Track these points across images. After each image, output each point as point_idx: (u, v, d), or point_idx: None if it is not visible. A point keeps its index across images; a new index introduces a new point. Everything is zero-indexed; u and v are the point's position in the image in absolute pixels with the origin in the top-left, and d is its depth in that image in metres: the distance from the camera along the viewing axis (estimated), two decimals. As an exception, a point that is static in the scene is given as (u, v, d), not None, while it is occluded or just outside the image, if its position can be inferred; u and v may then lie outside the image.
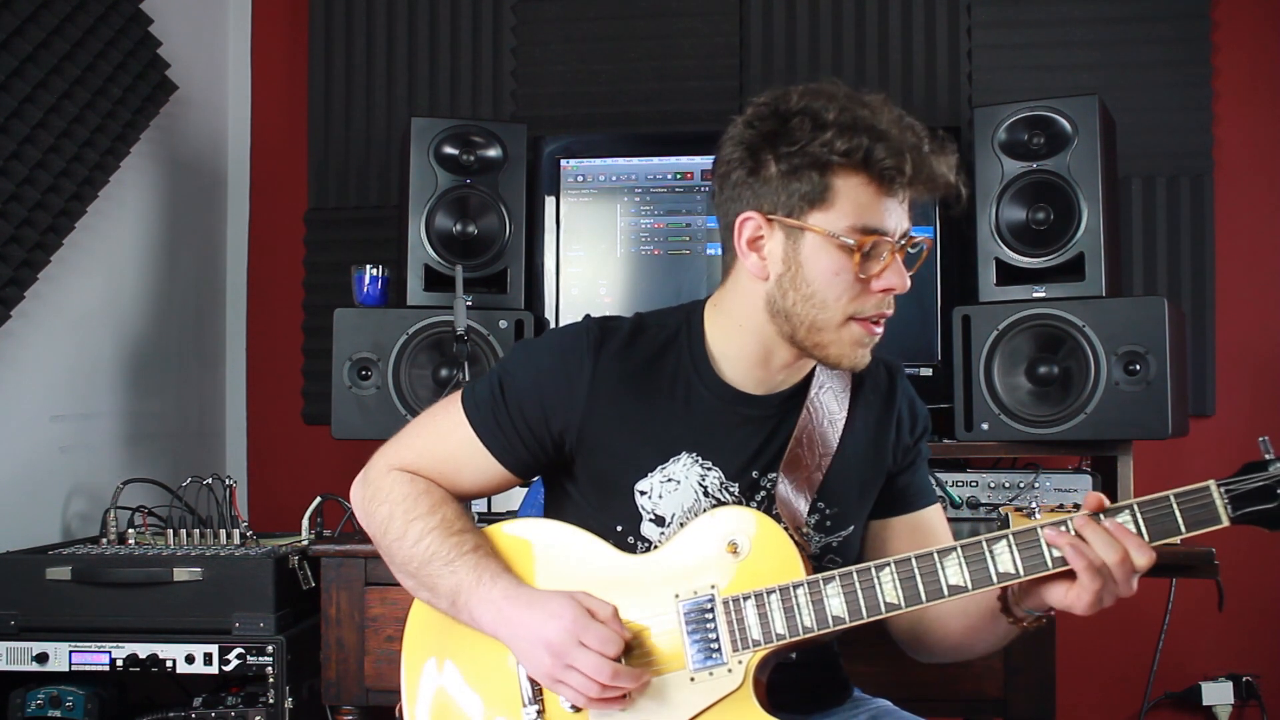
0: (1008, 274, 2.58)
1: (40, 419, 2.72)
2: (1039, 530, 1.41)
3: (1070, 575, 1.40)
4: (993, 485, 2.59)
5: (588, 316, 1.65)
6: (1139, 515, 1.38)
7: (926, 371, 2.73)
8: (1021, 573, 1.41)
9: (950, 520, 2.52)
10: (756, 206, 1.51)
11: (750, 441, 1.60)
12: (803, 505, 1.59)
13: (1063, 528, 1.40)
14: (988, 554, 1.42)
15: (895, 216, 1.48)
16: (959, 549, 1.43)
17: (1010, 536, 1.42)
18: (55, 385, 2.77)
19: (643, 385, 1.59)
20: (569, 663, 1.45)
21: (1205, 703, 2.98)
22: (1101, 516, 1.39)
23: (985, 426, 2.52)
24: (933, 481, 1.79)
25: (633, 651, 1.50)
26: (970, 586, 1.42)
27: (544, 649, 1.46)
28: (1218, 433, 2.99)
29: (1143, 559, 1.37)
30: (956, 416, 2.56)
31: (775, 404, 1.62)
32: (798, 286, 1.50)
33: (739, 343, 1.59)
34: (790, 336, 1.54)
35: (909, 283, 1.50)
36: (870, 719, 1.68)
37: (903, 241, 1.50)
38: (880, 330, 1.53)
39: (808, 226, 1.47)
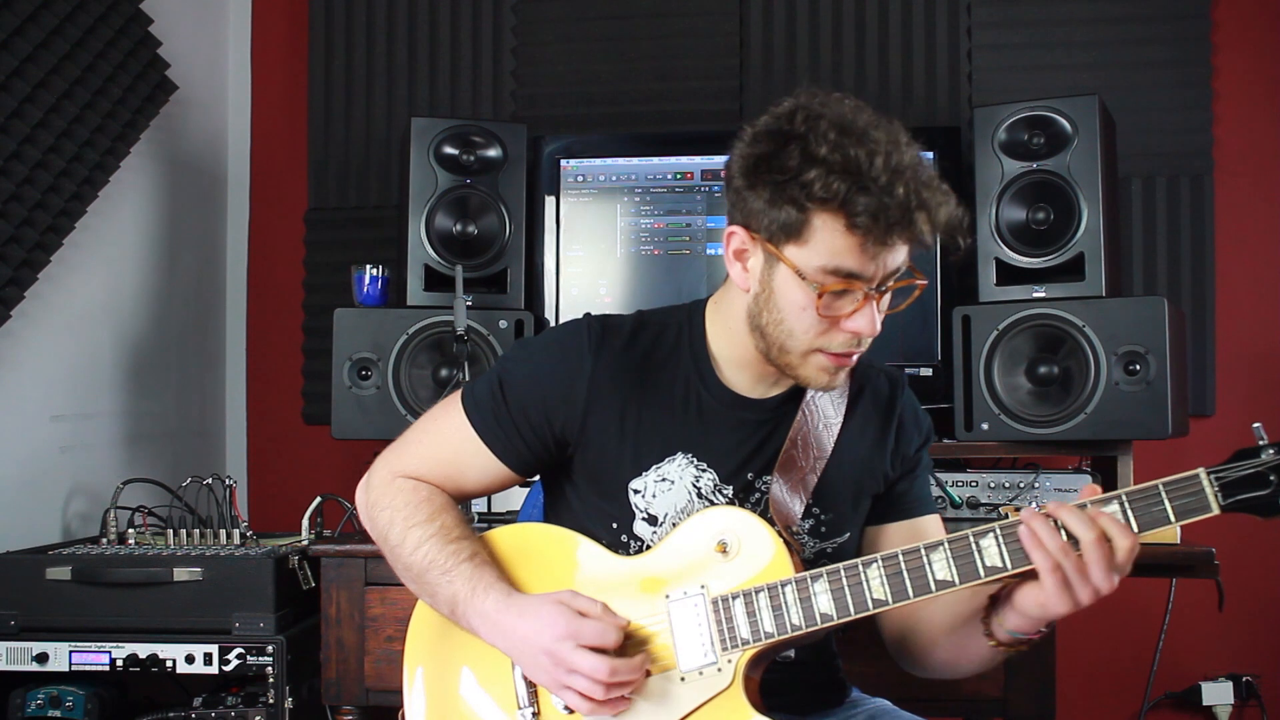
0: (1008, 274, 2.58)
1: (40, 419, 2.72)
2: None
3: None
4: (993, 485, 2.59)
5: (588, 314, 1.65)
6: (1127, 505, 1.36)
7: (926, 371, 2.72)
8: (1009, 566, 1.39)
9: (950, 520, 2.53)
10: (744, 222, 1.51)
11: (746, 444, 1.60)
12: (797, 507, 1.59)
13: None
14: (974, 548, 1.41)
15: (877, 260, 1.44)
16: (945, 543, 1.42)
17: (997, 530, 1.40)
18: (55, 385, 2.77)
19: (642, 383, 1.59)
20: (570, 666, 1.45)
21: (1205, 703, 2.98)
22: (1089, 505, 1.37)
23: (985, 426, 2.52)
24: (933, 493, 1.77)
25: (625, 653, 1.50)
26: (957, 581, 1.41)
27: (545, 656, 1.47)
28: (1218, 433, 2.98)
29: (1125, 541, 1.34)
30: (956, 416, 2.56)
31: (772, 407, 1.62)
32: (770, 310, 1.50)
33: (734, 345, 1.59)
34: (765, 353, 1.54)
35: (879, 328, 1.48)
36: (869, 719, 1.68)
37: (882, 287, 1.47)
38: (851, 362, 1.53)
39: (782, 257, 1.46)
